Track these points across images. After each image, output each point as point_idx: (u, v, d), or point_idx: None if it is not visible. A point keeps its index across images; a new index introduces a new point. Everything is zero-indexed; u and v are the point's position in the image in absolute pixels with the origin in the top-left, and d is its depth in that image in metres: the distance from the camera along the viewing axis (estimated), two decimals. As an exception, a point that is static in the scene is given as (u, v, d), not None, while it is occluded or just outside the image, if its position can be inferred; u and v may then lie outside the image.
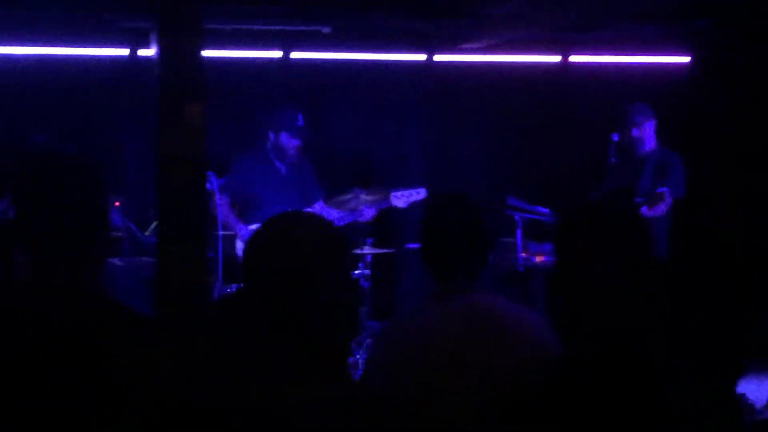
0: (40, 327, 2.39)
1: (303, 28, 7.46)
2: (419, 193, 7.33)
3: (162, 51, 2.62)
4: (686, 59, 9.21)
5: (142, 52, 7.87)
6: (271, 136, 6.92)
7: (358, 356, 7.65)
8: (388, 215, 7.74)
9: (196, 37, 2.59)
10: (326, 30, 7.53)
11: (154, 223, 6.53)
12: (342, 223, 7.11)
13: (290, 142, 6.92)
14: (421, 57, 8.84)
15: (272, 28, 7.40)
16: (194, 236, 2.69)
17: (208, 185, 6.48)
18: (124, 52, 8.13)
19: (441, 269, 3.22)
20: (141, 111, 8.23)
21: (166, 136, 2.64)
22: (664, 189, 6.99)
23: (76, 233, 2.46)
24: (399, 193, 7.32)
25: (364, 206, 7.22)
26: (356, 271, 7.86)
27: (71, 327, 2.40)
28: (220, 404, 2.89)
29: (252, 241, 1.95)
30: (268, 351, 1.93)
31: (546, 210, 7.55)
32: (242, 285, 1.97)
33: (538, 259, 7.60)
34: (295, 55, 8.47)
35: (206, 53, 7.78)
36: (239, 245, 6.98)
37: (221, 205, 6.77)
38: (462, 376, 2.99)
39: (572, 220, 2.26)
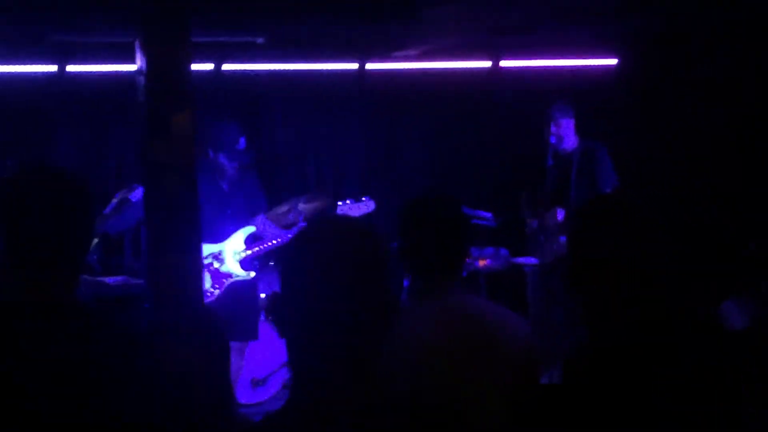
0: (28, 343, 2.35)
1: (237, 39, 7.38)
2: (368, 206, 7.25)
3: (149, 60, 2.57)
4: (613, 61, 9.35)
5: (73, 68, 7.79)
6: (210, 153, 6.68)
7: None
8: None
9: (184, 46, 2.55)
10: (260, 41, 7.46)
11: (115, 200, 6.40)
12: (279, 242, 7.01)
13: (229, 164, 6.76)
14: (354, 66, 8.84)
15: (204, 40, 7.29)
16: (187, 245, 2.64)
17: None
18: (52, 68, 8.01)
19: (428, 266, 3.21)
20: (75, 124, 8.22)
21: (155, 144, 2.58)
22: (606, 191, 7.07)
23: (64, 247, 2.44)
24: (347, 206, 7.24)
25: (298, 227, 7.09)
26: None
27: (64, 341, 2.37)
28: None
29: (294, 249, 1.92)
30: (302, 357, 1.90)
31: (488, 214, 7.60)
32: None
33: (481, 263, 7.63)
34: (227, 66, 8.40)
35: (130, 68, 7.87)
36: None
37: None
38: (464, 376, 2.99)
39: (589, 213, 2.28)
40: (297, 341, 1.89)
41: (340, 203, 7.23)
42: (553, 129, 7.44)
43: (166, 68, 2.55)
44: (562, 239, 7.22)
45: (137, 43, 2.58)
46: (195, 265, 2.68)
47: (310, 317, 1.86)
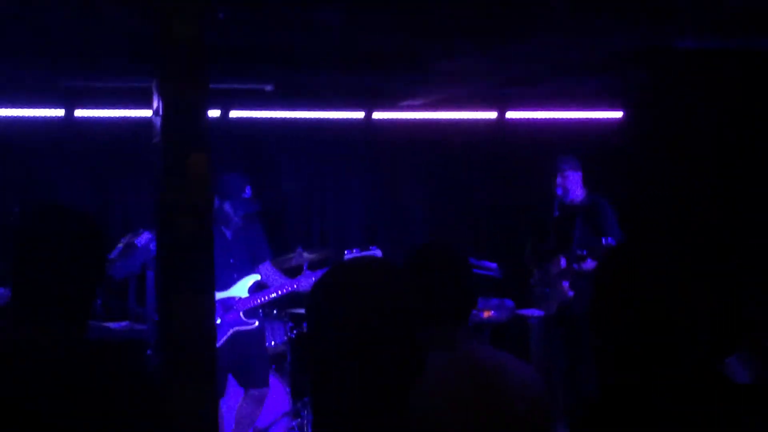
0: (39, 384, 2.33)
1: (245, 86, 7.42)
2: (374, 253, 7.24)
3: (165, 102, 2.57)
4: (619, 114, 9.40)
5: (81, 113, 7.82)
6: (216, 201, 6.69)
7: (303, 416, 7.57)
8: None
9: (200, 87, 2.56)
10: (268, 88, 7.50)
11: (120, 244, 6.38)
12: (281, 293, 6.99)
13: (234, 212, 6.78)
14: (360, 114, 8.87)
15: (213, 86, 7.33)
16: (201, 287, 2.63)
17: (154, 245, 6.40)
18: (59, 112, 8.04)
19: (436, 315, 3.19)
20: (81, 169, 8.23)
21: (171, 185, 2.58)
22: (610, 240, 7.08)
23: (75, 288, 2.43)
24: (353, 255, 7.22)
25: (303, 276, 7.07)
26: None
27: (76, 382, 2.35)
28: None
29: (318, 292, 1.90)
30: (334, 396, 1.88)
31: (493, 264, 7.58)
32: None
33: (486, 314, 7.59)
34: (234, 113, 8.43)
35: (138, 113, 7.92)
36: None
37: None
38: (476, 426, 2.96)
39: (615, 259, 2.26)
40: (322, 379, 1.87)
41: (347, 252, 7.21)
42: (559, 180, 7.50)
43: (182, 108, 2.56)
44: (565, 284, 7.25)
45: (154, 84, 2.60)
46: (209, 306, 2.66)
47: (336, 352, 1.84)
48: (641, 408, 2.10)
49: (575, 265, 7.18)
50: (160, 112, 2.58)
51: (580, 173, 7.52)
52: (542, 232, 7.66)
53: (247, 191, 6.87)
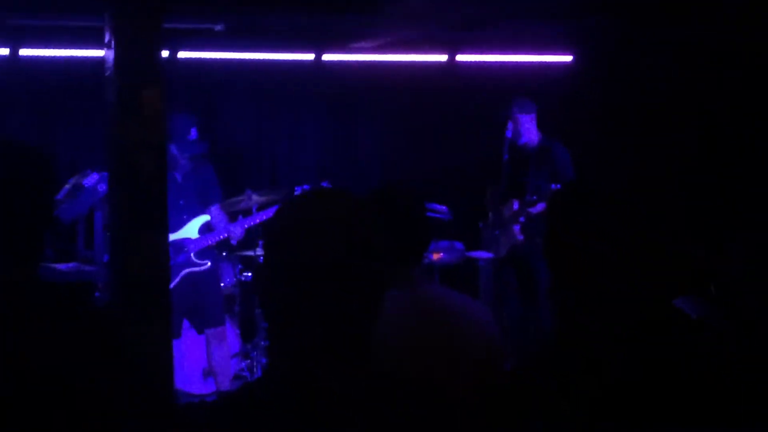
0: None
1: (195, 26, 7.31)
2: None
3: (117, 37, 2.52)
4: (568, 58, 9.42)
5: (26, 52, 7.69)
6: None
7: (253, 357, 7.58)
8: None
9: (153, 19, 2.50)
10: (218, 28, 7.40)
11: (68, 185, 6.30)
12: (229, 236, 6.97)
13: (180, 155, 6.71)
14: (310, 56, 8.80)
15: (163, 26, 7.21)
16: (156, 224, 2.60)
17: (103, 186, 6.33)
18: (4, 51, 7.89)
19: (391, 256, 3.18)
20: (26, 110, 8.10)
21: (125, 121, 2.53)
22: (557, 186, 7.11)
23: (28, 222, 2.39)
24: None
25: (237, 223, 7.04)
26: (249, 273, 7.77)
27: (30, 320, 2.32)
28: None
29: (275, 225, 1.86)
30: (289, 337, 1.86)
31: (443, 207, 7.60)
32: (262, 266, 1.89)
33: (435, 256, 7.64)
34: (182, 54, 8.32)
35: (90, 53, 7.79)
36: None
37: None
38: (431, 364, 2.98)
39: (572, 194, 2.27)
40: (279, 312, 1.84)
41: (296, 189, 7.19)
42: (510, 124, 7.50)
43: (135, 41, 2.51)
44: (516, 228, 7.29)
45: (105, 16, 2.53)
46: (163, 242, 2.63)
47: (295, 287, 1.80)
48: (597, 343, 2.12)
49: (527, 209, 7.22)
50: (113, 46, 2.53)
51: (532, 116, 7.51)
52: (497, 176, 7.69)
53: (193, 133, 6.80)
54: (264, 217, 7.13)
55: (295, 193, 7.12)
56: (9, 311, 2.30)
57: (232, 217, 7.19)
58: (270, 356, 1.93)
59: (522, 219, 7.27)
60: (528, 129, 7.49)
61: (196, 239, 6.84)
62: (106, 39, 2.51)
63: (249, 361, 7.66)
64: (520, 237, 7.30)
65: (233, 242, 7.08)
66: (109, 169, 2.61)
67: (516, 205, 7.35)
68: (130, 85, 2.50)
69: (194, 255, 6.81)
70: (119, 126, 2.52)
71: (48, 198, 2.48)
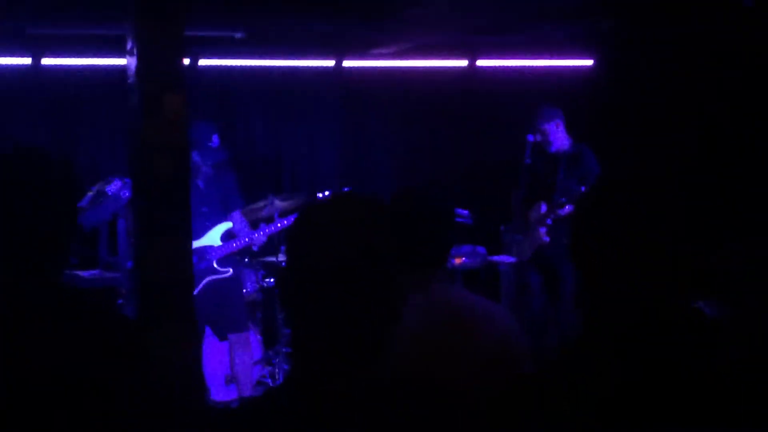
0: (18, 327, 2.31)
1: (216, 33, 7.34)
2: None
3: (140, 42, 2.54)
4: (589, 62, 9.40)
5: (48, 61, 7.75)
6: None
7: (275, 363, 7.59)
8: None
9: (177, 27, 2.52)
10: (239, 35, 7.43)
11: (91, 192, 6.33)
12: (251, 242, 6.99)
13: (203, 162, 6.73)
14: (331, 63, 8.82)
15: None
16: (179, 228, 2.61)
17: (126, 193, 6.36)
18: (26, 60, 7.94)
19: (414, 258, 3.19)
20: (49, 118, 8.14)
21: (147, 126, 2.55)
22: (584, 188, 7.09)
23: (53, 230, 2.40)
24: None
25: (258, 230, 7.07)
26: (272, 279, 7.79)
27: (55, 324, 2.33)
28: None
29: (296, 229, 1.86)
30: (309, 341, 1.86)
31: (464, 212, 7.59)
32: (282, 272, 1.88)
33: (458, 260, 7.63)
34: (203, 62, 8.35)
35: (111, 61, 7.84)
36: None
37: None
38: (451, 366, 2.98)
39: (593, 195, 2.25)
40: (300, 316, 1.84)
41: (319, 195, 7.19)
42: (539, 136, 7.48)
43: (158, 47, 2.52)
44: (542, 230, 7.27)
45: (128, 23, 2.55)
46: (186, 246, 2.64)
47: (315, 292, 1.80)
48: (622, 342, 2.11)
49: (556, 211, 7.20)
50: (135, 52, 2.54)
51: (557, 122, 7.49)
52: (522, 181, 7.68)
53: (214, 140, 6.82)
54: (285, 224, 7.14)
55: (317, 198, 7.14)
56: (34, 318, 2.32)
57: (254, 223, 7.20)
58: (293, 361, 1.92)
59: (549, 221, 7.25)
60: (556, 137, 7.47)
61: (218, 246, 6.85)
62: (129, 46, 2.53)
63: (271, 367, 7.67)
64: (546, 239, 7.28)
65: (255, 248, 7.10)
66: (132, 174, 2.63)
67: (544, 208, 7.33)
68: (153, 90, 2.52)
69: (216, 262, 6.83)
70: (142, 131, 2.53)
71: (72, 205, 2.49)
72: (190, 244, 2.57)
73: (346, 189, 7.31)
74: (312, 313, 1.81)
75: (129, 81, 2.57)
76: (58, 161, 2.44)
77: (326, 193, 7.21)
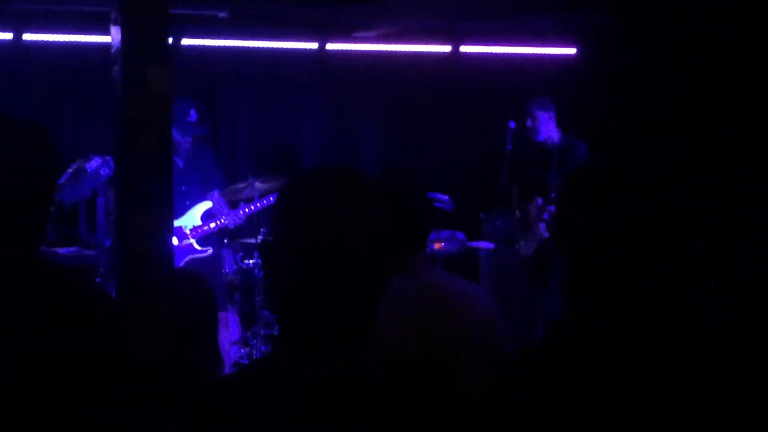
0: None
1: (199, 12, 7.30)
2: None
3: (125, 13, 2.52)
4: (572, 51, 9.41)
5: (29, 37, 7.70)
6: None
7: (252, 345, 7.59)
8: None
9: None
10: (223, 15, 7.40)
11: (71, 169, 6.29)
12: (229, 223, 6.98)
13: (182, 138, 6.72)
14: (314, 45, 8.80)
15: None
16: (161, 203, 2.60)
17: (106, 170, 6.33)
18: (8, 36, 7.88)
19: (395, 240, 3.19)
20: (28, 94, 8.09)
21: (132, 99, 2.54)
22: None
23: (32, 199, 2.36)
24: None
25: (235, 212, 7.05)
26: (250, 261, 7.79)
27: (32, 294, 2.31)
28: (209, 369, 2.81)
29: (284, 204, 1.84)
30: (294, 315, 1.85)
31: (445, 197, 7.61)
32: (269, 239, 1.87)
33: (437, 246, 7.64)
34: (186, 41, 8.31)
35: (93, 38, 7.78)
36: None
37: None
38: (435, 348, 3.00)
39: (578, 176, 2.25)
40: (287, 289, 1.82)
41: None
42: (528, 122, 7.51)
43: (144, 18, 2.51)
44: (542, 226, 7.29)
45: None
46: (168, 222, 2.63)
47: (303, 268, 1.78)
48: (606, 331, 2.10)
49: (550, 207, 7.21)
50: (119, 21, 2.53)
51: (550, 113, 7.51)
52: (497, 166, 7.68)
53: (192, 114, 6.80)
54: (266, 204, 7.13)
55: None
56: (8, 291, 2.29)
57: (234, 204, 7.19)
58: (278, 337, 1.90)
59: (546, 216, 7.26)
60: (547, 127, 7.49)
61: (198, 226, 6.84)
62: (113, 16, 2.51)
63: (248, 348, 7.67)
64: (546, 234, 7.29)
65: (231, 227, 7.08)
66: (115, 147, 2.61)
67: (540, 202, 7.35)
68: (138, 61, 2.50)
69: (197, 241, 6.82)
70: (126, 103, 2.52)
71: (51, 177, 2.46)
72: (172, 219, 2.56)
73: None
74: (299, 290, 1.80)
75: (113, 51, 2.55)
76: (38, 131, 2.41)
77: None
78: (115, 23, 2.59)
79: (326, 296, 1.77)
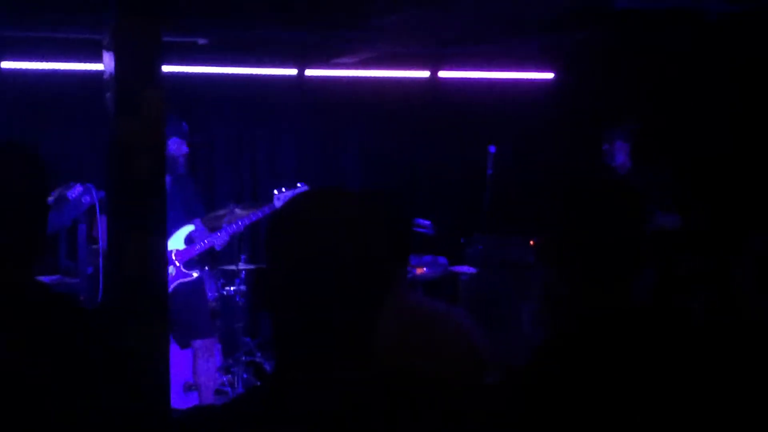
0: None
1: (179, 39, 7.30)
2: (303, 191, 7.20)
3: (118, 38, 2.52)
4: (549, 75, 9.48)
5: (7, 65, 7.67)
6: None
7: (234, 372, 7.56)
8: (263, 228, 7.66)
9: (156, 23, 2.50)
10: (202, 42, 7.40)
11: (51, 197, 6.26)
12: (195, 254, 6.97)
13: (180, 149, 6.74)
14: (293, 71, 8.82)
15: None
16: (154, 227, 2.59)
17: (87, 198, 6.30)
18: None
19: None
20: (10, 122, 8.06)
21: (125, 124, 2.53)
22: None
23: (26, 224, 2.35)
24: (282, 195, 7.20)
25: (217, 233, 7.05)
26: (231, 288, 7.77)
27: (28, 320, 2.29)
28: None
29: (279, 219, 1.83)
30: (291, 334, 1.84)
31: (426, 222, 7.61)
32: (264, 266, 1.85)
33: (419, 271, 7.64)
34: (166, 68, 8.28)
35: (69, 66, 7.76)
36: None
37: (103, 219, 6.56)
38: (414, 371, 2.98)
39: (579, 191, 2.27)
40: (284, 315, 1.81)
41: (276, 192, 7.18)
42: (605, 146, 7.47)
43: (136, 43, 2.50)
44: None
45: (107, 20, 2.52)
46: (161, 246, 2.63)
47: (300, 288, 1.77)
48: (590, 348, 2.11)
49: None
50: (112, 47, 2.52)
51: (627, 145, 7.46)
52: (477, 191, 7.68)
53: (184, 126, 6.87)
54: (247, 222, 7.13)
55: (274, 197, 7.14)
56: (4, 312, 2.27)
57: (215, 230, 7.17)
58: (276, 359, 1.89)
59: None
60: (620, 154, 7.44)
61: (183, 250, 6.82)
62: (105, 41, 2.51)
63: (230, 376, 7.64)
64: None
65: (218, 248, 7.06)
66: (108, 171, 2.60)
67: None
68: (131, 87, 2.50)
69: (183, 266, 6.80)
70: (119, 128, 2.51)
71: (42, 197, 2.45)
72: (165, 242, 2.55)
73: (301, 185, 7.29)
74: (297, 309, 1.79)
75: (105, 77, 2.55)
76: (29, 152, 2.40)
77: (282, 189, 7.20)
78: (108, 49, 2.59)
79: (322, 318, 1.77)
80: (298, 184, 7.29)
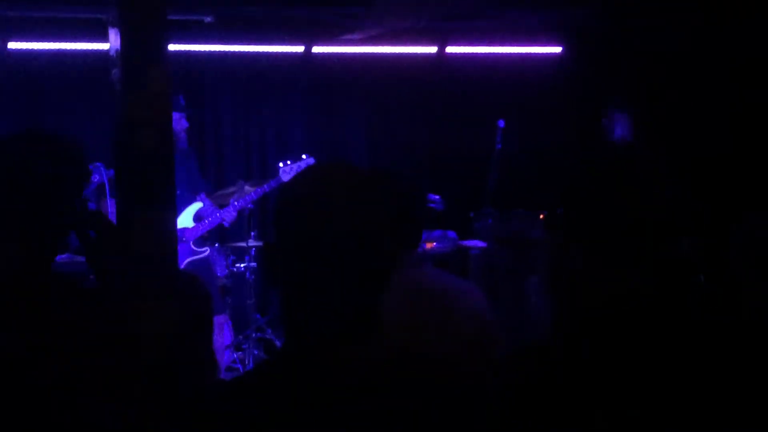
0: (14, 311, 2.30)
1: (185, 17, 7.30)
2: (308, 163, 7.22)
3: (123, 14, 2.52)
4: (558, 49, 9.44)
5: (14, 45, 7.66)
6: None
7: (245, 349, 7.59)
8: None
9: (159, 2, 2.51)
10: (208, 19, 7.40)
11: None
12: (204, 231, 6.99)
13: (180, 124, 6.75)
14: (300, 48, 8.80)
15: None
16: (164, 203, 2.60)
17: (96, 177, 6.32)
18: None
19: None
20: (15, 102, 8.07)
21: (131, 100, 2.54)
22: None
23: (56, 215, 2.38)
24: (288, 168, 7.20)
25: (225, 209, 7.06)
26: (242, 265, 7.79)
27: (50, 308, 2.32)
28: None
29: (288, 194, 1.82)
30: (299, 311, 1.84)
31: (436, 197, 7.60)
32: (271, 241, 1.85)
33: (429, 245, 7.64)
34: (172, 47, 8.27)
35: (73, 46, 7.76)
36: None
37: (112, 198, 6.58)
38: (423, 344, 2.99)
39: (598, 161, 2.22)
40: (293, 291, 1.81)
41: (281, 165, 7.20)
42: (603, 120, 7.43)
43: (141, 19, 2.51)
44: None
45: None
46: (171, 222, 2.63)
47: (308, 264, 1.76)
48: (596, 326, 2.09)
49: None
50: (118, 24, 2.53)
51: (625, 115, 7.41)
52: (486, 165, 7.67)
53: (181, 100, 6.89)
54: (254, 197, 7.15)
55: (280, 169, 7.15)
56: (28, 301, 2.30)
57: (224, 206, 7.19)
58: (285, 337, 1.89)
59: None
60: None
61: (192, 228, 6.85)
62: (110, 18, 2.52)
63: (241, 353, 7.67)
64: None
65: (227, 224, 7.09)
66: (116, 148, 2.61)
67: None
68: (137, 63, 2.51)
69: (193, 243, 6.82)
70: (126, 105, 2.52)
71: (80, 191, 2.48)
72: (175, 221, 2.56)
73: (306, 156, 7.31)
74: (306, 285, 1.79)
75: (111, 54, 2.56)
76: (73, 145, 2.42)
77: (288, 161, 7.21)
78: (113, 26, 2.59)
79: (332, 294, 1.77)
80: (303, 156, 7.30)
